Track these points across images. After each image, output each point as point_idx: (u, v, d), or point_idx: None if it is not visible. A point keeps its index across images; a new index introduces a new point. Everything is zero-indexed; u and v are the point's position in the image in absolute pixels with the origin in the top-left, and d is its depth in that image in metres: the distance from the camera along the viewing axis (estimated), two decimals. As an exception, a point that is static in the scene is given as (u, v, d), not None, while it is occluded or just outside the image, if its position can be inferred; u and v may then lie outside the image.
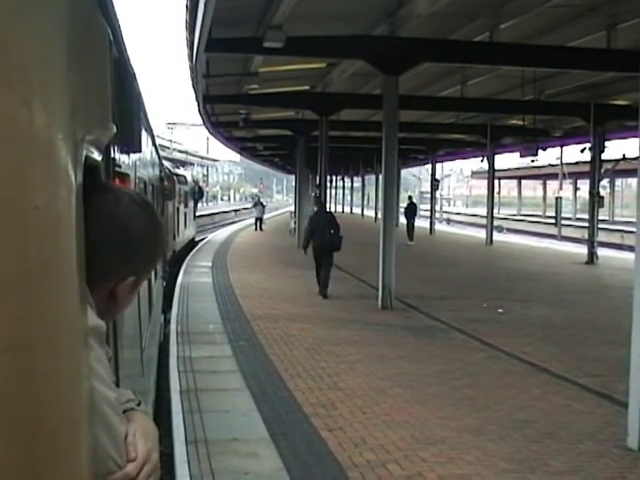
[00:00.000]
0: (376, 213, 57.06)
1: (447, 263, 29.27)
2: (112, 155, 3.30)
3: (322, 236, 19.12)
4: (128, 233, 1.78)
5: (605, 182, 60.90)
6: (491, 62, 19.65)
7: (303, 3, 15.24)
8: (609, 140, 32.12)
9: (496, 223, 47.64)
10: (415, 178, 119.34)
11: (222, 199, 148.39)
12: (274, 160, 72.14)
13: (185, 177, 36.79)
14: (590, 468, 7.55)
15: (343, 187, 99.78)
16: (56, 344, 1.12)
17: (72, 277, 1.20)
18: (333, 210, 46.38)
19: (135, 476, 1.64)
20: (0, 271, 0.95)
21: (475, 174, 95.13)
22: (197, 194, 43.68)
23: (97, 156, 1.72)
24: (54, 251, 1.11)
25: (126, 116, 3.32)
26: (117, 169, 3.59)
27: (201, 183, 69.94)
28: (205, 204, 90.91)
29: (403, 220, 40.91)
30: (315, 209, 20.76)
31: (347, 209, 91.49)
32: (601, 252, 31.22)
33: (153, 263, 1.98)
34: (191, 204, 38.84)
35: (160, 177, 14.15)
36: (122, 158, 3.99)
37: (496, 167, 42.55)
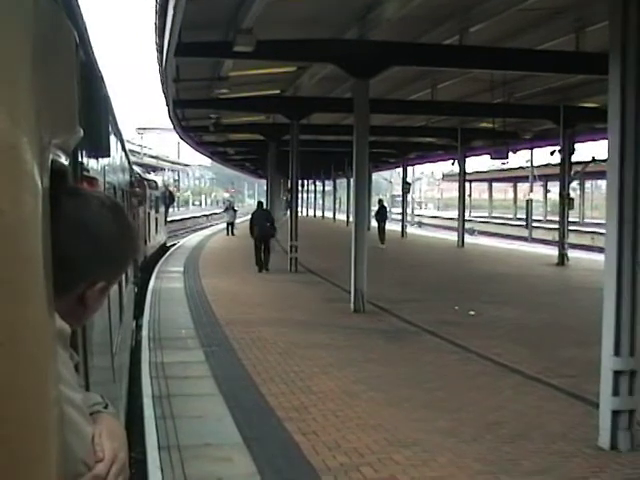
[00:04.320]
0: (348, 217, 57.09)
1: (419, 266, 29.38)
2: (80, 159, 3.28)
3: (261, 227, 26.18)
4: (97, 237, 1.76)
5: (575, 184, 61.45)
6: (461, 65, 19.75)
7: (273, 7, 15.23)
8: (579, 142, 32.42)
9: (467, 226, 47.86)
10: (387, 182, 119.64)
11: (193, 204, 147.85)
12: (245, 164, 71.96)
13: (156, 182, 36.65)
14: (562, 468, 7.61)
15: (315, 191, 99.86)
16: (23, 350, 1.10)
17: (39, 282, 1.19)
18: (304, 214, 46.75)
19: (104, 476, 1.63)
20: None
21: (446, 177, 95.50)
22: (168, 199, 43.52)
23: (64, 160, 1.70)
24: (19, 256, 1.10)
25: (94, 119, 3.30)
26: (85, 173, 3.57)
27: (172, 188, 69.61)
28: (176, 209, 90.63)
29: (374, 223, 41.00)
30: (256, 208, 28.52)
31: (319, 213, 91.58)
32: (572, 254, 31.46)
33: (123, 267, 1.96)
34: (162, 209, 38.69)
35: (130, 182, 14.07)
36: (90, 162, 3.96)
37: (467, 170, 42.79)
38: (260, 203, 30.00)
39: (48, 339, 1.27)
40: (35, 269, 1.17)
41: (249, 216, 29.35)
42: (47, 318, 1.25)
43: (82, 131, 1.94)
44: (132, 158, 22.81)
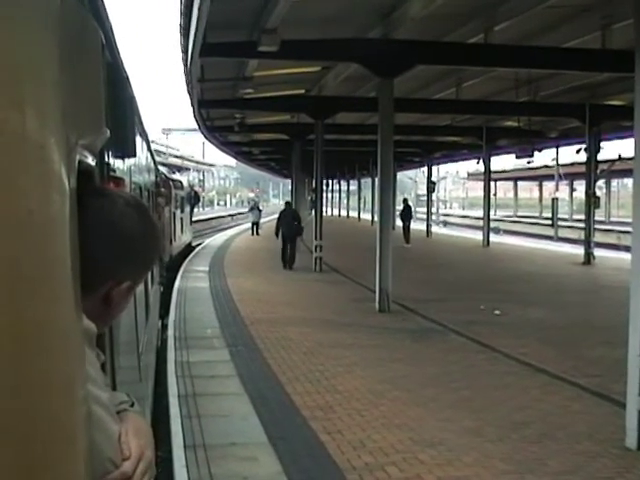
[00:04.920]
0: (372, 216, 57.01)
1: (444, 265, 29.29)
2: (106, 160, 3.29)
3: (288, 226, 27.30)
4: (122, 236, 1.77)
5: (601, 183, 61.03)
6: (486, 64, 19.65)
7: (297, 6, 15.24)
8: (605, 141, 32.17)
9: (493, 225, 47.65)
10: (411, 181, 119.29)
11: (218, 204, 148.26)
12: (270, 164, 72.10)
13: (181, 182, 36.78)
14: (588, 468, 7.56)
15: (339, 190, 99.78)
16: (52, 349, 1.11)
17: (67, 281, 1.20)
18: (329, 214, 46.98)
19: (131, 474, 1.64)
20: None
21: (471, 176, 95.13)
22: (193, 199, 43.65)
23: (91, 160, 1.71)
24: (48, 255, 1.11)
25: (120, 120, 3.31)
26: (111, 174, 3.59)
27: (197, 188, 69.86)
28: (201, 209, 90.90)
29: (399, 223, 40.92)
30: (284, 207, 29.77)
31: (343, 213, 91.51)
32: (598, 253, 31.23)
33: (148, 267, 1.97)
34: (187, 209, 38.81)
35: (156, 182, 14.14)
36: (116, 163, 3.98)
37: (492, 169, 42.60)
38: (288, 203, 31.55)
39: (76, 338, 1.28)
40: (63, 268, 1.18)
41: (274, 215, 29.70)
42: (75, 317, 1.26)
43: (108, 132, 1.95)
44: (157, 158, 22.91)
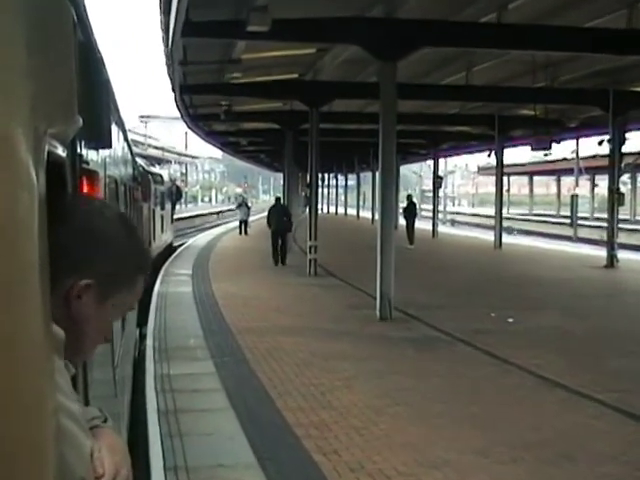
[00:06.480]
0: (373, 214, 57.06)
1: (451, 268, 29.30)
2: (78, 151, 3.29)
3: (278, 222, 29.39)
4: (87, 225, 1.77)
5: (626, 177, 61.10)
6: (499, 46, 19.65)
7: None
8: (630, 131, 32.19)
9: (506, 224, 47.71)
10: (416, 175, 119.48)
11: (202, 200, 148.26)
12: (260, 156, 72.08)
13: (161, 176, 36.78)
14: (611, 493, 7.57)
15: (336, 186, 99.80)
16: (19, 356, 1.12)
17: (35, 287, 1.20)
18: (325, 211, 47.07)
19: None
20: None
21: (482, 170, 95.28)
22: (175, 195, 43.68)
23: (61, 152, 1.72)
24: (14, 260, 1.11)
25: (94, 107, 3.31)
26: (84, 166, 3.58)
27: (179, 182, 69.90)
28: (184, 206, 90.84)
29: (403, 222, 40.95)
30: (274, 203, 32.30)
31: (341, 210, 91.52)
32: (622, 255, 31.26)
33: (121, 269, 1.88)
34: (168, 206, 38.82)
35: (133, 176, 14.12)
36: (90, 154, 3.98)
37: (505, 162, 42.63)
38: (278, 199, 34.03)
39: (45, 345, 1.28)
40: (31, 273, 1.18)
41: (264, 213, 30.04)
42: (43, 322, 1.26)
43: (81, 120, 1.95)
44: (135, 149, 22.89)
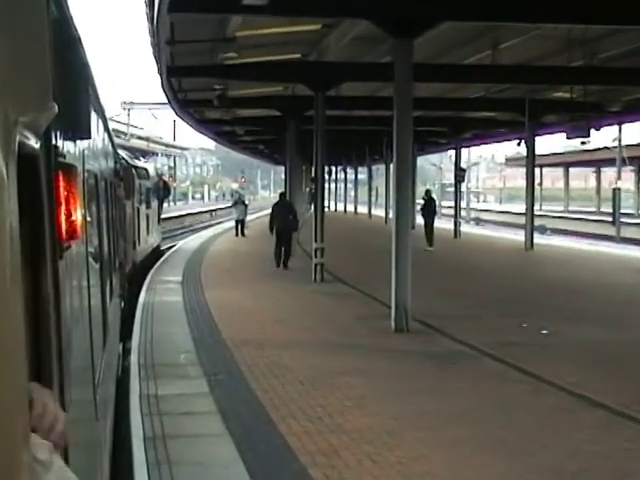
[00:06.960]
0: (387, 212, 57.07)
1: (476, 273, 29.29)
2: (53, 142, 3.30)
3: (283, 221, 29.88)
4: None
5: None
6: (529, 19, 19.60)
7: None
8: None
9: (538, 222, 47.68)
10: (435, 168, 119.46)
11: (194, 197, 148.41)
12: (258, 147, 72.20)
13: (147, 170, 36.81)
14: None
15: (345, 180, 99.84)
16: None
17: (4, 284, 1.20)
18: (333, 209, 47.28)
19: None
20: None
21: (510, 161, 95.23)
22: (162, 191, 43.71)
23: (34, 143, 1.72)
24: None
25: (71, 93, 3.32)
26: (60, 159, 3.59)
27: (167, 177, 69.94)
28: (172, 204, 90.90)
29: (420, 220, 40.95)
30: (278, 199, 33.18)
31: (350, 207, 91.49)
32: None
33: None
34: (155, 204, 38.87)
35: (115, 170, 14.17)
36: (66, 146, 3.99)
37: (537, 152, 42.60)
38: (283, 194, 34.99)
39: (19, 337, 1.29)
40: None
41: (264, 212, 30.04)
42: (17, 331, 1.27)
43: (56, 107, 1.96)
44: (117, 140, 22.92)
